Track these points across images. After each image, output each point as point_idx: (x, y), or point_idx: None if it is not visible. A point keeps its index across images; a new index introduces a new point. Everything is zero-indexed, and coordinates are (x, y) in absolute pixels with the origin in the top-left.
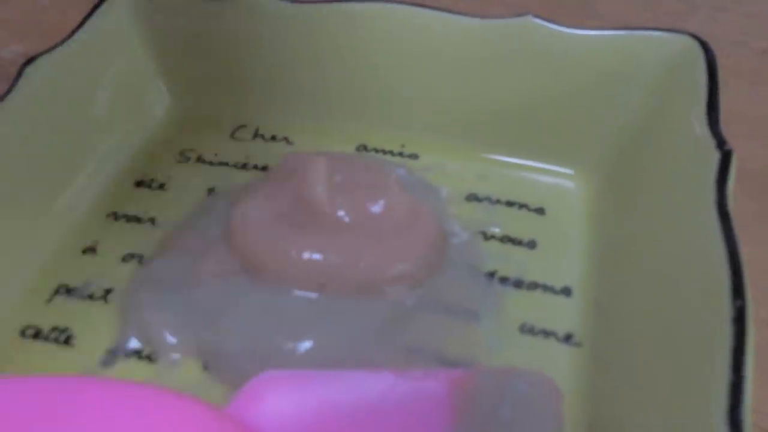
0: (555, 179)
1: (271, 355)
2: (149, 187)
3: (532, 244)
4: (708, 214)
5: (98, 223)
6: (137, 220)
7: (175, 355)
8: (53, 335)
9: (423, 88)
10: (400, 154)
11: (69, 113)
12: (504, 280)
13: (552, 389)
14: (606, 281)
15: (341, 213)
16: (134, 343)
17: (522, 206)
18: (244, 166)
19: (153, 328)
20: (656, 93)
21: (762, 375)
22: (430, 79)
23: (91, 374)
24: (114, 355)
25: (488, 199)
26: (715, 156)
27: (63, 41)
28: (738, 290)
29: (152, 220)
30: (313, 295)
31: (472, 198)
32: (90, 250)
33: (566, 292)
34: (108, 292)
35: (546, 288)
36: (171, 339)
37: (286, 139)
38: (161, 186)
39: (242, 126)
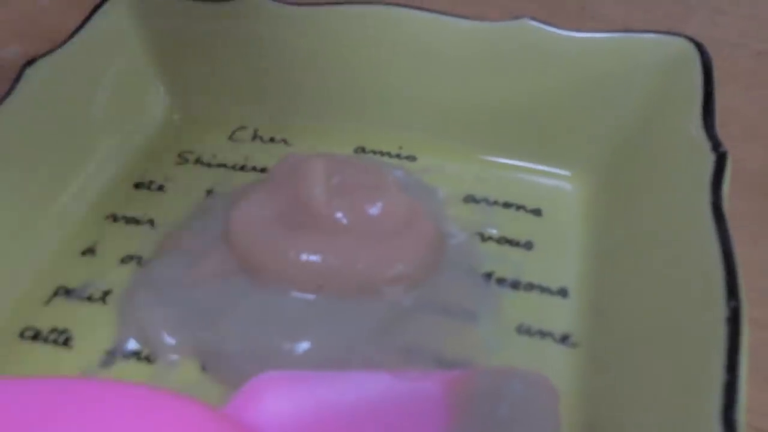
0: (552, 181)
1: (270, 355)
2: (148, 188)
3: (529, 245)
4: (703, 216)
5: (97, 225)
6: (136, 221)
7: (174, 356)
8: (52, 337)
9: (421, 91)
10: (398, 156)
11: (68, 115)
12: (501, 281)
13: (549, 389)
14: (602, 282)
15: (339, 214)
16: (133, 344)
17: (519, 207)
18: (242, 168)
19: (151, 329)
20: (652, 95)
21: (759, 375)
22: (428, 81)
23: (90, 375)
24: (113, 356)
25: (486, 200)
26: (711, 158)
27: (63, 43)
28: (732, 291)
29: (151, 222)
30: (311, 296)
31: (470, 199)
32: (89, 251)
33: (563, 292)
34: (107, 293)
35: (543, 289)
36: (169, 340)
37: (284, 141)
38: (160, 187)
39: (241, 127)
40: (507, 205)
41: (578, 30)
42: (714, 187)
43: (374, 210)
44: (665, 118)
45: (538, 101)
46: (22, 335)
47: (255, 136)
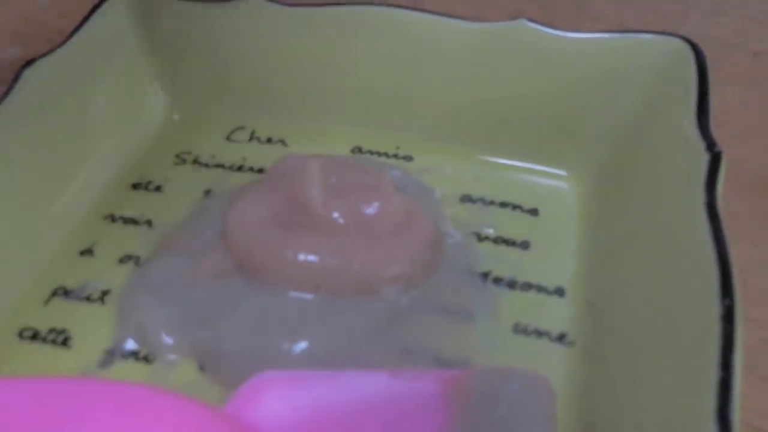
0: (548, 180)
1: (268, 355)
2: (146, 189)
3: (525, 245)
4: (698, 215)
5: (95, 225)
6: (134, 222)
7: (172, 356)
8: (51, 337)
9: (418, 91)
10: (395, 156)
11: (67, 115)
12: (498, 280)
13: (546, 388)
14: (599, 281)
15: (336, 215)
16: (131, 344)
17: (516, 207)
18: (240, 168)
19: (150, 329)
20: (648, 95)
21: (758, 375)
22: (426, 81)
23: (89, 375)
24: (111, 356)
25: (482, 200)
26: (705, 158)
27: (61, 44)
28: (727, 289)
29: (149, 222)
30: (308, 296)
31: (467, 199)
32: (87, 251)
33: (559, 292)
34: (105, 293)
35: (539, 288)
36: (167, 340)
37: (282, 142)
38: (158, 188)
39: (238, 128)
40: (504, 204)
41: (575, 30)
42: (708, 186)
43: (371, 210)
44: (661, 118)
45: (535, 101)
46: (21, 335)
47: (252, 137)
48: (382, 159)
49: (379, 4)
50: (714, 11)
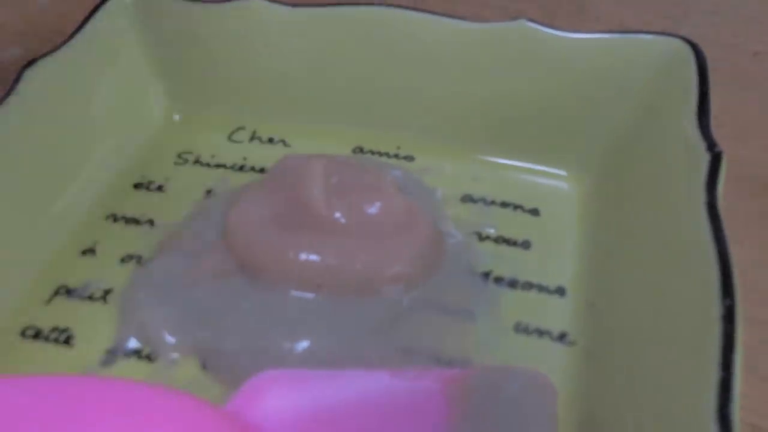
0: (549, 181)
1: (269, 354)
2: (147, 188)
3: (526, 245)
4: (698, 215)
5: (97, 225)
6: (136, 221)
7: (174, 355)
8: (53, 335)
9: (419, 91)
10: (396, 156)
11: (68, 115)
12: (499, 280)
13: (547, 387)
14: (599, 281)
15: (338, 214)
16: (133, 343)
17: (516, 207)
18: (241, 168)
19: (151, 328)
20: (648, 95)
21: (758, 374)
22: (426, 82)
23: (91, 374)
24: (113, 354)
25: (483, 200)
26: (706, 158)
27: (62, 44)
28: (727, 289)
29: (151, 222)
30: (310, 295)
31: (468, 199)
32: (89, 251)
33: (560, 291)
34: (107, 292)
35: (540, 288)
36: (169, 339)
37: (283, 142)
38: (159, 188)
39: (240, 128)
40: (504, 204)
41: (575, 31)
42: (709, 186)
43: (373, 210)
44: (661, 118)
45: (535, 102)
46: (23, 334)
47: (254, 137)
48: (383, 159)
49: (380, 5)
50: (714, 11)
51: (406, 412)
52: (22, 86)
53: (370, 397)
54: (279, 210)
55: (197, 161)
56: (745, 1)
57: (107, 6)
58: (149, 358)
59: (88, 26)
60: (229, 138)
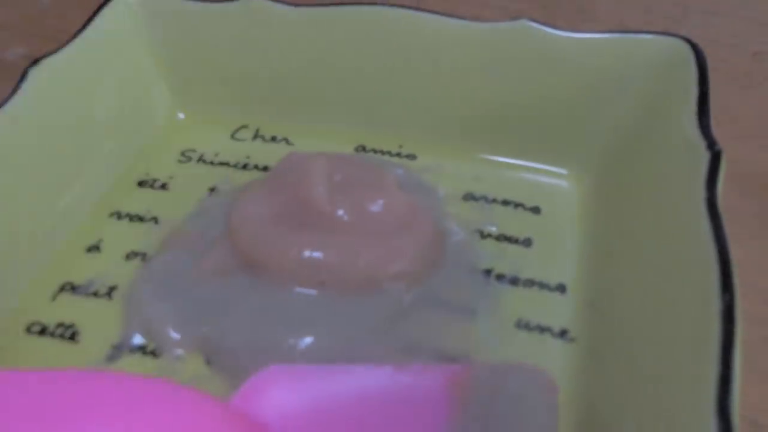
0: (549, 179)
1: (273, 350)
2: (152, 186)
3: (527, 243)
4: (698, 212)
5: (102, 222)
6: (140, 219)
7: (179, 351)
8: (59, 331)
9: (421, 90)
10: (398, 155)
11: (73, 114)
12: (500, 277)
13: (548, 383)
14: (599, 278)
15: (341, 212)
16: (138, 339)
17: (517, 205)
18: (244, 167)
19: (156, 324)
20: (648, 95)
21: (758, 370)
22: (428, 81)
23: (97, 369)
24: (119, 350)
25: (484, 198)
26: (706, 156)
27: (66, 43)
28: (726, 285)
29: (155, 219)
30: (312, 292)
31: (469, 197)
32: (94, 248)
33: (561, 288)
34: (112, 289)
35: (541, 285)
36: (174, 335)
37: (286, 140)
38: (163, 186)
39: (243, 127)
40: (506, 203)
41: (575, 31)
42: (709, 184)
43: (375, 208)
44: (661, 117)
45: (536, 101)
46: (29, 330)
47: (257, 135)
48: (386, 158)
49: (382, 5)
50: (714, 11)
51: (409, 407)
52: (27, 85)
53: (372, 392)
54: (282, 207)
55: (201, 159)
56: (745, 1)
57: (111, 5)
58: (154, 353)
59: (93, 25)
60: (232, 136)
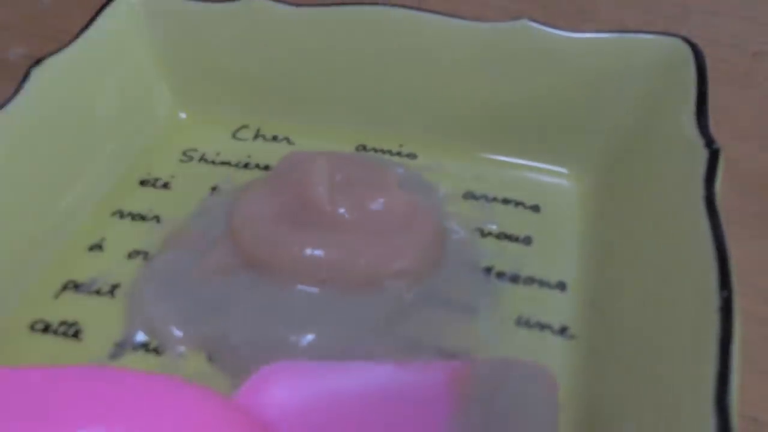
0: (549, 178)
1: (275, 347)
2: (153, 185)
3: (527, 241)
4: (696, 209)
5: (104, 221)
6: (142, 218)
7: (181, 348)
8: (62, 329)
9: (421, 90)
10: (399, 154)
11: (75, 114)
12: (501, 275)
13: (548, 379)
14: (599, 276)
15: (342, 210)
16: (141, 337)
17: (518, 204)
18: (246, 166)
19: (159, 322)
20: (648, 94)
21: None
22: (429, 80)
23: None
24: (122, 348)
25: (485, 197)
26: (704, 154)
27: (69, 43)
28: (724, 281)
29: (157, 218)
30: (314, 290)
31: (470, 196)
32: (96, 247)
33: (561, 286)
34: (115, 287)
35: (541, 283)
36: (177, 332)
37: (287, 139)
38: (165, 185)
39: (244, 126)
40: (506, 201)
41: (575, 30)
42: (707, 182)
43: (377, 206)
44: (660, 116)
45: (537, 100)
46: (32, 328)
47: (258, 135)
48: (387, 157)
49: (383, 4)
50: (714, 11)
51: (410, 404)
52: (29, 85)
53: (374, 387)
54: (283, 206)
55: (202, 159)
56: (745, 1)
57: (113, 5)
58: (157, 351)
59: (95, 25)
60: (234, 136)
